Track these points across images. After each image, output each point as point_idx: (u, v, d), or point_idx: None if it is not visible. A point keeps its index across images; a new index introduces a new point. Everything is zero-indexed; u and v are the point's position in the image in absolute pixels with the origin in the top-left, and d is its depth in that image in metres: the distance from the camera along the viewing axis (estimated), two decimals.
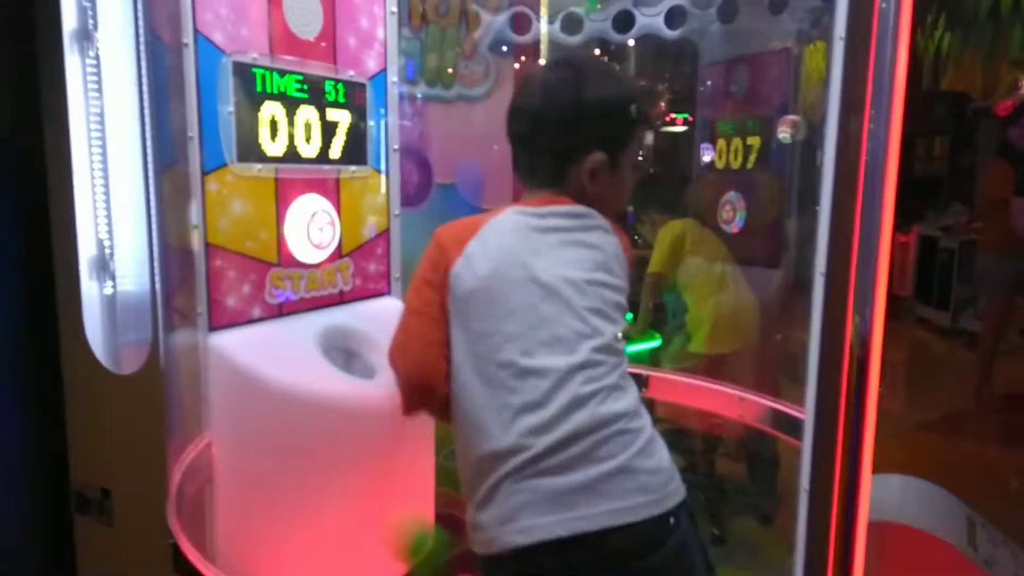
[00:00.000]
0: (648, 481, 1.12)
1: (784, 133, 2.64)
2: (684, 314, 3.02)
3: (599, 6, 2.44)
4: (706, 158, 2.79)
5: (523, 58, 2.54)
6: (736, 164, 2.60)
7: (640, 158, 1.35)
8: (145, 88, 1.52)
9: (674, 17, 2.30)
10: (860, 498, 1.30)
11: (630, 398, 1.19)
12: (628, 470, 1.11)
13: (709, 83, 2.74)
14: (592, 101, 1.24)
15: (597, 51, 2.78)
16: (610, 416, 1.14)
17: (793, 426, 1.97)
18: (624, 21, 2.33)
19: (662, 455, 1.18)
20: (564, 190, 1.29)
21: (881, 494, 1.82)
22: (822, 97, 2.60)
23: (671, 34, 2.31)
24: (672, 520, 1.13)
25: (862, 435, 1.27)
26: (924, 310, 6.34)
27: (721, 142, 2.67)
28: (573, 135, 1.25)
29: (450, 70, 2.43)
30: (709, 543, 3.00)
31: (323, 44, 1.79)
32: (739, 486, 3.32)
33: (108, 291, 1.82)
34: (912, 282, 6.39)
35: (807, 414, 1.11)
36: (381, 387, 1.75)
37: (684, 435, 3.17)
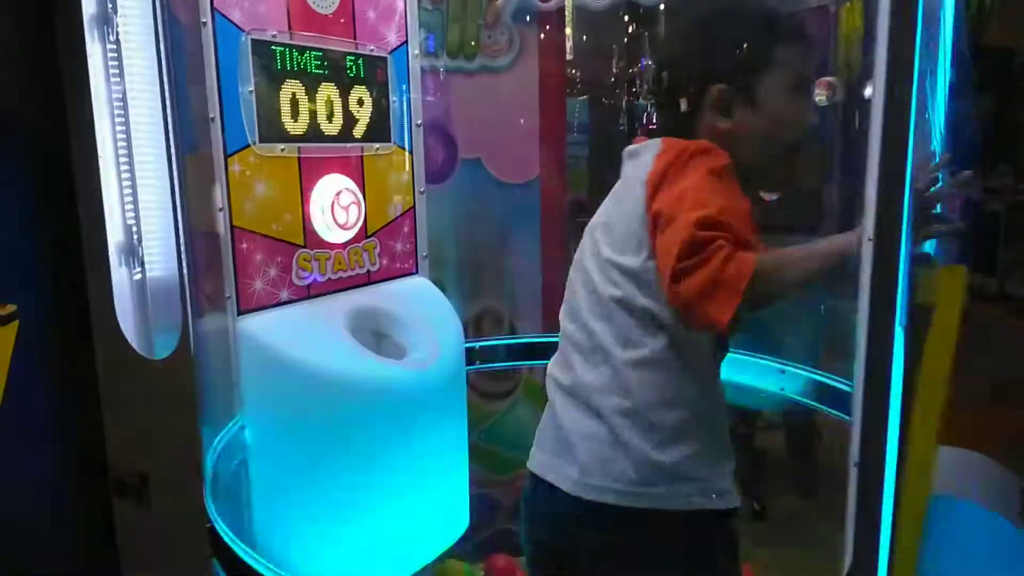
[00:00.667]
0: None
1: (820, 95, 2.54)
2: None
3: None
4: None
5: (548, 26, 2.47)
6: None
7: (803, 81, 1.14)
8: (166, 70, 1.50)
9: None
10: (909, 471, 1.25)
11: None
12: None
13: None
14: (701, 30, 1.15)
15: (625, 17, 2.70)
16: None
17: (836, 398, 1.91)
18: None
19: None
20: (698, 135, 1.14)
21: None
22: (859, 57, 2.49)
23: None
24: None
25: (911, 407, 1.21)
26: (968, 275, 6.15)
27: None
28: (685, 71, 1.14)
29: (473, 42, 2.38)
30: (749, 518, 2.96)
31: (342, 19, 1.75)
32: (778, 460, 3.26)
33: (137, 277, 1.82)
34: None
35: (857, 385, 1.06)
36: (411, 367, 1.73)
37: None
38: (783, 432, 3.29)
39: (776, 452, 3.31)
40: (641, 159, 1.16)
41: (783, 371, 2.01)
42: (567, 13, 2.45)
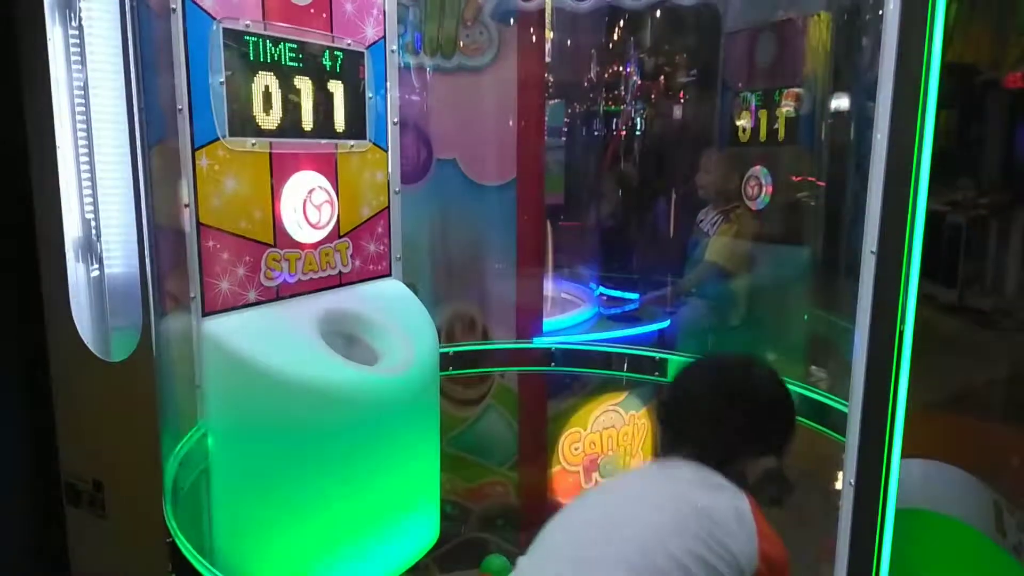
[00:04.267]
0: None
1: (789, 106, 2.55)
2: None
3: None
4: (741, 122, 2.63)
5: (528, 27, 2.43)
6: (762, 136, 2.50)
7: None
8: (132, 58, 1.42)
9: None
10: (890, 486, 1.23)
11: None
12: None
13: (732, 52, 2.63)
14: (783, 412, 1.30)
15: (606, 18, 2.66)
16: None
17: (818, 411, 1.91)
18: None
19: None
20: (730, 477, 1.22)
21: (907, 479, 1.75)
22: (827, 69, 2.50)
23: (688, 2, 2.20)
24: None
25: (894, 422, 1.20)
26: (930, 286, 6.27)
27: (745, 114, 2.56)
28: (758, 441, 1.25)
29: (451, 40, 2.32)
30: None
31: (319, 11, 1.68)
32: None
33: (95, 273, 1.73)
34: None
35: (853, 402, 1.04)
36: (384, 373, 1.67)
37: None
38: None
39: None
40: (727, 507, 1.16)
41: None
42: (548, 14, 2.41)
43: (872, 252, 0.97)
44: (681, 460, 1.23)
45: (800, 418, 1.92)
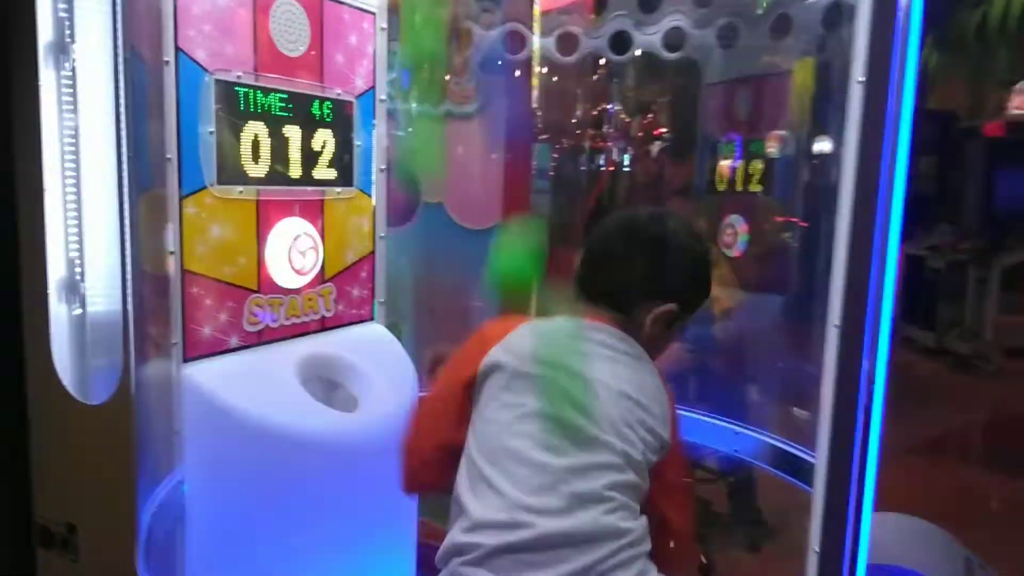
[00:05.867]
0: None
1: (772, 148, 2.60)
2: None
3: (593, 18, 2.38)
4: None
5: (515, 75, 2.47)
6: (739, 186, 2.55)
7: None
8: (123, 106, 1.44)
9: (673, 38, 2.24)
10: (863, 546, 1.25)
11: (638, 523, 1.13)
12: None
13: (710, 102, 2.69)
14: (690, 261, 1.28)
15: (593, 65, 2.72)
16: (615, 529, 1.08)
17: (789, 462, 1.92)
18: (621, 42, 2.28)
19: None
20: (624, 322, 1.26)
21: (878, 534, 1.77)
22: (810, 113, 2.56)
23: (670, 56, 2.26)
24: None
25: (864, 484, 1.22)
26: (909, 329, 6.34)
27: (722, 163, 2.61)
28: (661, 282, 1.26)
29: (439, 88, 2.37)
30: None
31: (310, 61, 1.72)
32: (721, 514, 3.26)
33: (77, 312, 1.73)
34: (898, 301, 6.38)
35: (818, 471, 1.06)
36: (362, 420, 1.68)
37: None
38: (724, 484, 3.29)
39: (722, 504, 3.31)
40: (646, 367, 1.24)
41: (736, 433, 2.02)
42: (534, 63, 2.46)
43: (836, 326, 1.00)
44: (598, 317, 1.26)
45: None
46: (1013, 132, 6.65)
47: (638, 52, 2.32)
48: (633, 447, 1.12)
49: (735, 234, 2.55)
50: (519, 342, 1.24)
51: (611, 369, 1.19)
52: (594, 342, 1.23)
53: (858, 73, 0.94)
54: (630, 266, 1.27)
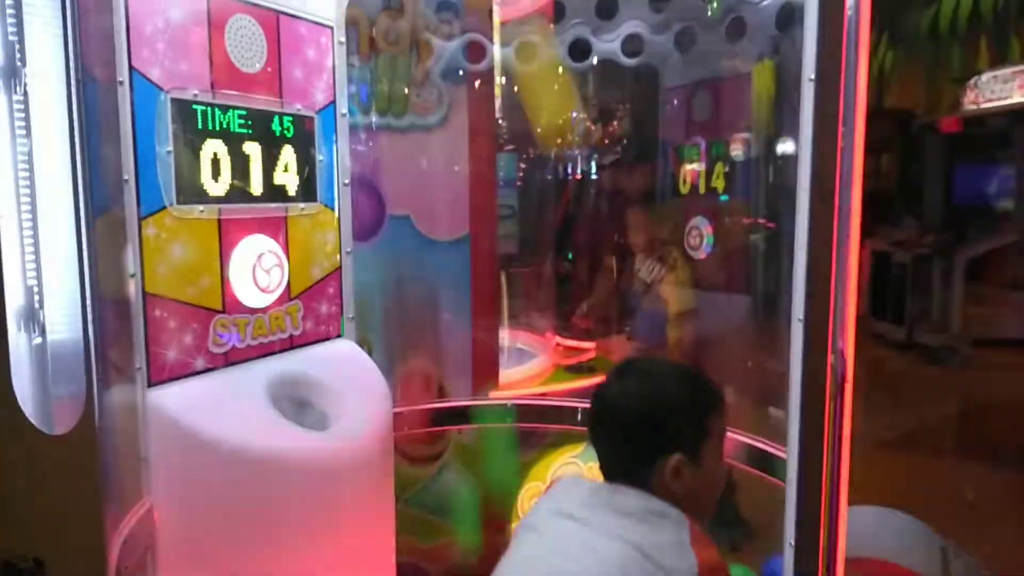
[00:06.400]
0: None
1: (736, 151, 2.63)
2: None
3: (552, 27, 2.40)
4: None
5: (477, 84, 2.48)
6: (701, 188, 2.58)
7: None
8: (77, 129, 1.42)
9: (631, 44, 2.26)
10: (839, 538, 1.26)
11: None
12: None
13: (671, 107, 2.72)
14: (661, 406, 1.25)
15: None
16: None
17: (763, 460, 1.93)
18: (580, 49, 2.29)
19: None
20: (652, 491, 1.24)
21: (856, 527, 1.79)
22: (771, 114, 2.60)
23: (629, 61, 2.28)
24: None
25: (839, 473, 1.22)
26: (878, 325, 6.43)
27: (685, 166, 2.64)
28: (648, 440, 1.25)
29: (401, 99, 2.36)
30: None
31: (268, 77, 1.70)
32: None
33: (37, 341, 1.69)
34: (867, 297, 6.48)
35: (790, 464, 1.06)
36: (335, 438, 1.66)
37: None
38: None
39: None
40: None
41: None
42: (496, 72, 2.47)
43: (799, 320, 1.01)
44: (620, 484, 1.24)
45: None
46: (968, 127, 6.81)
47: (595, 60, 2.34)
48: None
49: (700, 236, 2.57)
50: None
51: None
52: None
53: (809, 71, 0.95)
54: (634, 433, 1.26)
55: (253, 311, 1.70)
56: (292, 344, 1.80)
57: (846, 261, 1.10)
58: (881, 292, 6.44)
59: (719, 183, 2.52)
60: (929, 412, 4.78)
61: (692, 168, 2.64)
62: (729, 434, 1.99)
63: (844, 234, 1.06)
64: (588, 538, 1.19)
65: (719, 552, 1.17)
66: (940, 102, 7.09)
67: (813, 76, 0.95)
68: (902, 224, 6.75)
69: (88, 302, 1.43)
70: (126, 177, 1.46)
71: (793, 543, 1.07)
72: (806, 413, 1.07)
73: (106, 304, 1.49)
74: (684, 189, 2.66)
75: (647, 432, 1.24)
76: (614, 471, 1.27)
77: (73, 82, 1.42)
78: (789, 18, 1.98)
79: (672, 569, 1.11)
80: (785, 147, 2.56)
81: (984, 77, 6.78)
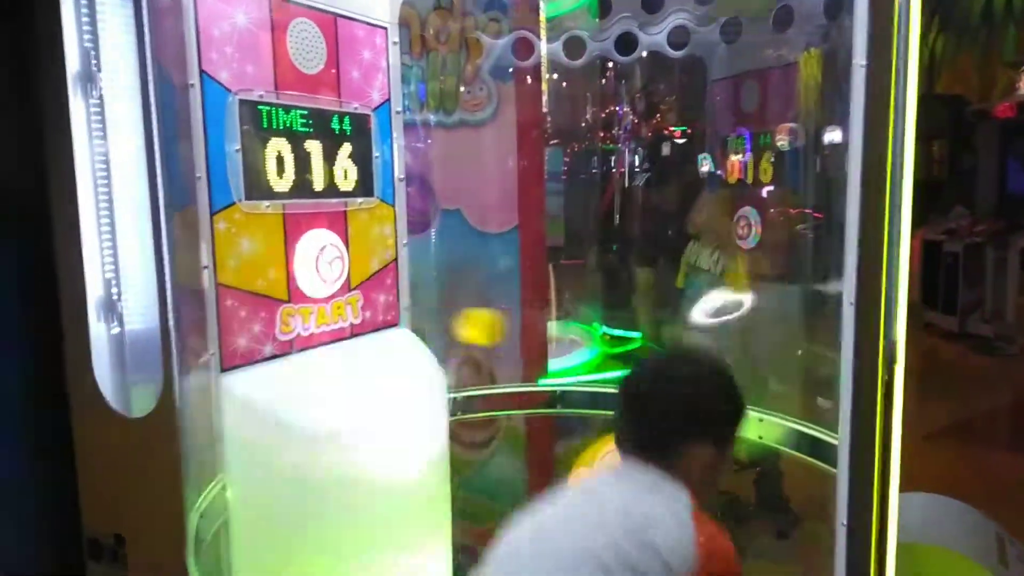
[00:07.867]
0: None
1: (782, 140, 2.62)
2: None
3: (598, 21, 2.43)
4: (704, 168, 2.77)
5: (525, 80, 2.53)
6: (749, 179, 2.58)
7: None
8: (155, 130, 1.50)
9: (677, 36, 2.29)
10: (889, 522, 1.28)
11: None
12: None
13: (718, 98, 2.73)
14: (715, 395, 1.31)
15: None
16: None
17: (815, 447, 1.95)
18: (627, 42, 2.32)
19: None
20: (671, 470, 1.29)
21: (905, 514, 1.80)
22: (819, 104, 2.59)
23: (675, 54, 2.30)
24: None
25: (889, 459, 1.24)
26: (930, 315, 6.31)
27: (732, 157, 2.65)
28: (687, 424, 1.29)
29: (452, 97, 2.42)
30: None
31: (327, 78, 1.77)
32: (748, 504, 3.27)
33: (115, 331, 1.80)
34: (917, 287, 6.36)
35: (841, 446, 1.09)
36: (396, 420, 1.73)
37: None
38: (753, 473, 3.30)
39: (748, 494, 3.32)
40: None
41: (761, 420, 2.05)
42: (543, 68, 2.51)
43: (851, 303, 1.03)
44: (632, 460, 1.30)
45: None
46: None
47: (644, 53, 2.36)
48: None
49: (749, 226, 2.58)
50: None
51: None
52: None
53: (859, 57, 0.97)
54: (661, 414, 1.31)
55: (316, 301, 1.77)
56: (352, 332, 1.88)
57: (897, 248, 1.12)
58: (932, 281, 6.32)
59: (766, 174, 2.53)
60: (982, 402, 4.69)
61: (739, 159, 2.65)
62: (779, 420, 2.02)
63: (896, 221, 1.08)
64: (589, 508, 1.26)
65: (727, 535, 1.22)
66: (994, 87, 6.91)
67: (864, 62, 0.97)
68: (953, 213, 6.60)
69: (167, 294, 1.51)
70: (198, 175, 1.54)
71: (845, 523, 1.09)
72: (857, 397, 1.10)
73: (182, 295, 1.58)
74: (732, 180, 2.67)
75: (693, 416, 1.29)
76: (635, 444, 1.31)
77: (149, 86, 1.49)
78: (838, 5, 1.98)
79: (675, 542, 1.17)
80: (833, 136, 2.56)
81: None
